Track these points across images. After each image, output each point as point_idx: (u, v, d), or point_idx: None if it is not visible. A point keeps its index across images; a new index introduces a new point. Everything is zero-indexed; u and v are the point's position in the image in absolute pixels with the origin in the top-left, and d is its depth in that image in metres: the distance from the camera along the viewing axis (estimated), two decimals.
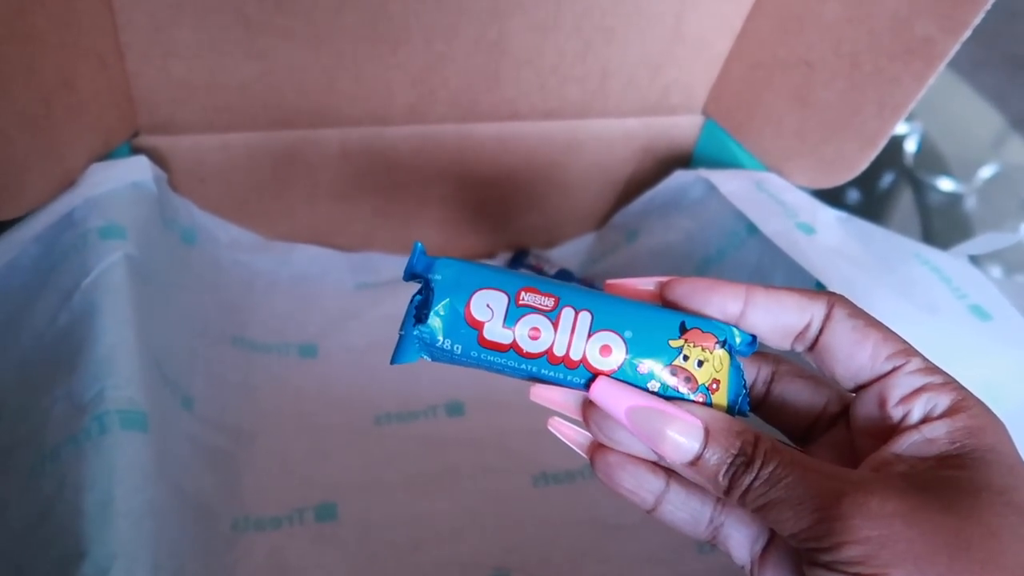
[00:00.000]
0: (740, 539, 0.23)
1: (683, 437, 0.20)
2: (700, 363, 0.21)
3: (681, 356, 0.21)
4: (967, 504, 0.18)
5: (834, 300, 0.22)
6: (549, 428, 0.23)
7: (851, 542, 0.18)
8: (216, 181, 0.43)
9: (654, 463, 0.22)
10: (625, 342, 0.21)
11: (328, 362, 0.45)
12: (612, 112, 0.47)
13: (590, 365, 0.21)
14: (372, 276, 0.49)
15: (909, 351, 0.21)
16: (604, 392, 0.21)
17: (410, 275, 0.22)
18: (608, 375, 0.21)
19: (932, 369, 0.21)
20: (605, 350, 0.21)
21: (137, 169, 0.37)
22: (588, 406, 0.22)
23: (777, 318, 0.22)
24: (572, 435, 0.23)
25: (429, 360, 0.22)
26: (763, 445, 0.20)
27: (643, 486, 0.23)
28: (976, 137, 0.72)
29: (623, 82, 0.46)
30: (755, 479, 0.20)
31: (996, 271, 0.59)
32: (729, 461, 0.20)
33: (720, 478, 0.20)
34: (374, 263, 0.49)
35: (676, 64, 0.45)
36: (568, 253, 0.53)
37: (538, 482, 0.41)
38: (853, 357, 0.21)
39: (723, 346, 0.21)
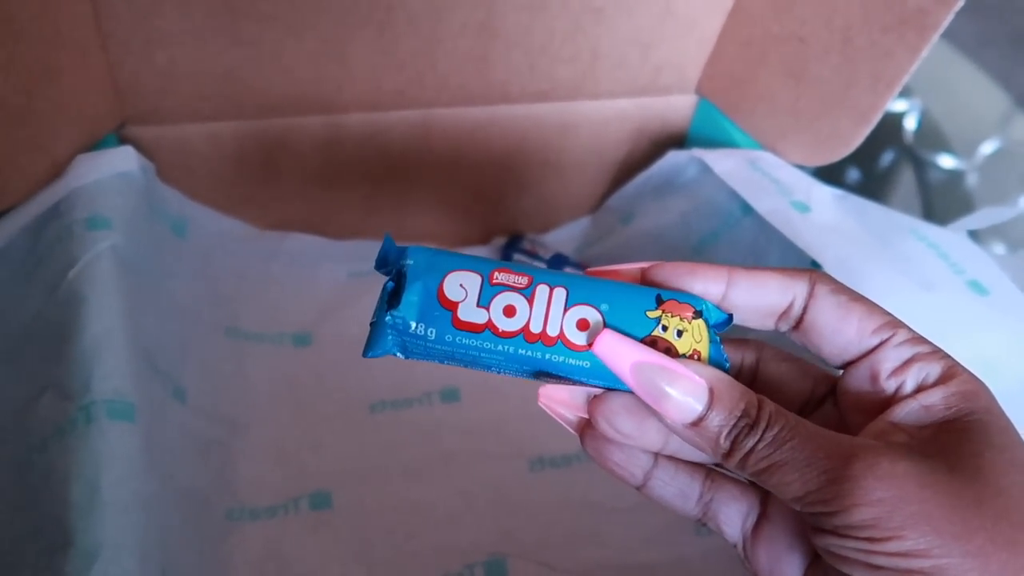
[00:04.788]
0: (730, 514, 0.23)
1: (687, 397, 0.20)
2: (679, 333, 0.21)
3: (660, 327, 0.21)
4: (972, 465, 0.18)
5: (816, 277, 0.22)
6: (540, 404, 0.23)
7: (863, 504, 0.18)
8: (205, 171, 0.43)
9: None
10: (602, 315, 0.21)
11: (322, 351, 0.45)
12: (604, 93, 0.47)
13: (568, 341, 0.21)
14: (365, 264, 0.49)
15: (895, 323, 0.21)
16: (608, 345, 0.20)
17: (382, 263, 0.22)
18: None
19: (919, 339, 0.21)
20: (582, 324, 0.21)
21: (123, 160, 0.37)
22: (595, 403, 0.22)
23: (760, 298, 0.22)
24: (562, 412, 0.23)
25: (402, 357, 0.22)
26: (768, 408, 0.20)
27: (632, 459, 0.23)
28: (980, 115, 0.71)
29: (614, 62, 0.45)
30: (759, 441, 0.19)
31: (1000, 248, 0.59)
32: (732, 423, 0.20)
33: (722, 440, 0.20)
34: (367, 251, 0.49)
35: (667, 43, 0.45)
36: (563, 237, 0.53)
37: (534, 467, 0.41)
38: (839, 333, 0.21)
39: (700, 316, 0.21)
